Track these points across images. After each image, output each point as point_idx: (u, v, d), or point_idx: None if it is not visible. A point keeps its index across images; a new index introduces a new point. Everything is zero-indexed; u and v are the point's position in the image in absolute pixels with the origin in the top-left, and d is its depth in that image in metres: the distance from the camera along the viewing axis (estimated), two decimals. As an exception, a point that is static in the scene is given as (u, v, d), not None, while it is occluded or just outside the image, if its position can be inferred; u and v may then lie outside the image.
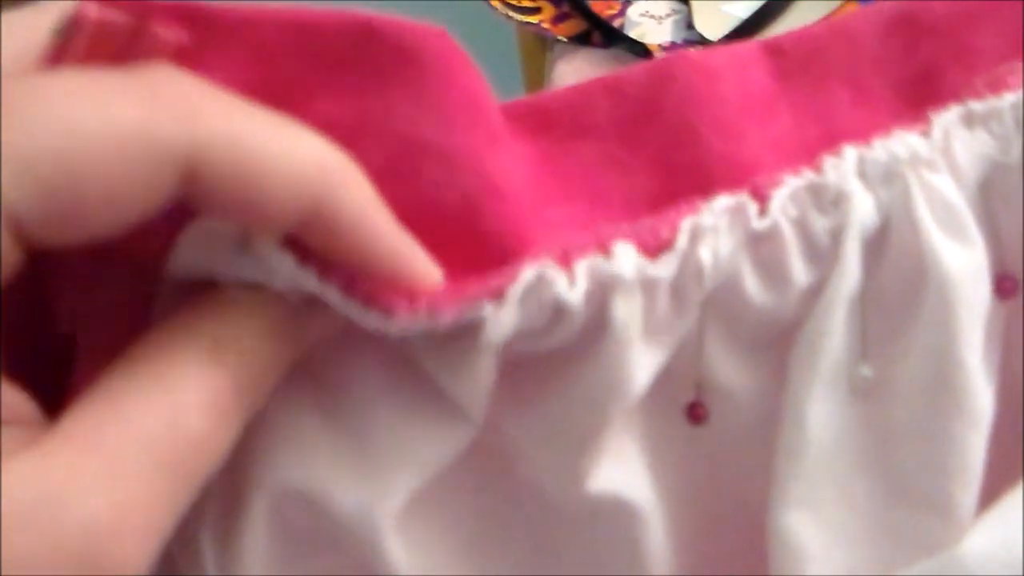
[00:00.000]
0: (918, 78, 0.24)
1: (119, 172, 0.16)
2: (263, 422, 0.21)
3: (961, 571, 0.19)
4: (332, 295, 0.19)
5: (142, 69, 0.17)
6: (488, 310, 0.20)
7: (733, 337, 0.23)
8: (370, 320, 0.19)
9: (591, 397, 0.22)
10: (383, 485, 0.21)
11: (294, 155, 0.18)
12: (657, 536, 0.24)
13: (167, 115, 0.17)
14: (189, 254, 0.20)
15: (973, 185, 0.23)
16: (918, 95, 0.24)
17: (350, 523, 0.21)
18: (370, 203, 0.19)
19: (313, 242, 0.19)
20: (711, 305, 0.23)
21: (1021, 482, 0.21)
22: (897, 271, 0.23)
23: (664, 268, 0.21)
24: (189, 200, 0.18)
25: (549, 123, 0.23)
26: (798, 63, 0.24)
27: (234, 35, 0.20)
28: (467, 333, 0.20)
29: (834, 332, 0.23)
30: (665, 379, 0.23)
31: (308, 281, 0.19)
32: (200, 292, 0.20)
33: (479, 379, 0.21)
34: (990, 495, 0.23)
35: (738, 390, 0.24)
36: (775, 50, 0.25)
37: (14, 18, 0.19)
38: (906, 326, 0.23)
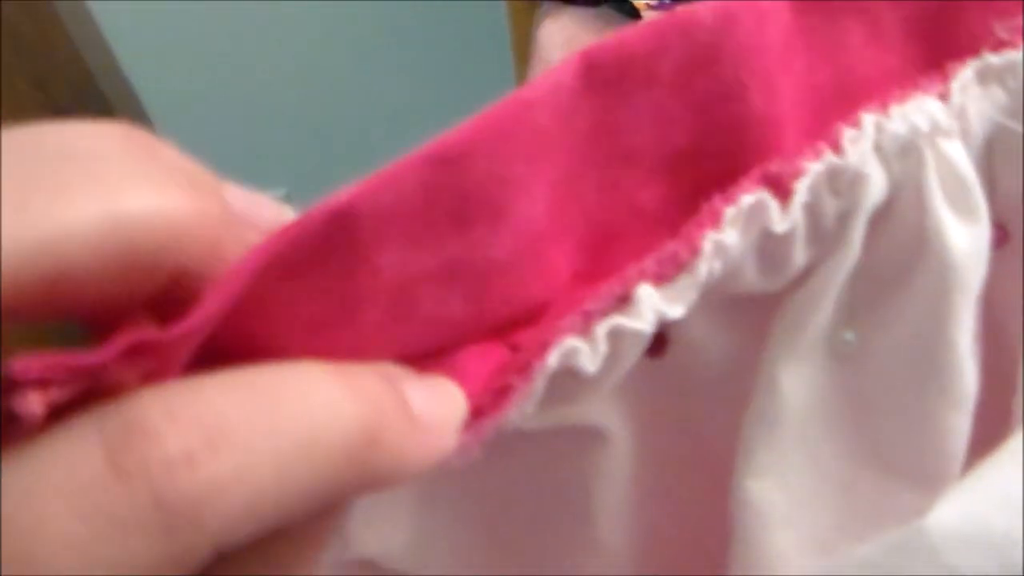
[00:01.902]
0: (935, 15, 0.23)
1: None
2: None
3: (925, 545, 0.18)
4: None
5: None
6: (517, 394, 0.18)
7: (708, 300, 0.22)
8: None
9: None
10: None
11: None
12: (618, 463, 0.23)
13: None
14: None
15: (980, 145, 0.22)
16: (934, 36, 0.22)
17: None
18: None
19: None
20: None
21: (995, 453, 0.20)
22: (896, 243, 0.22)
23: (682, 299, 0.19)
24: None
25: (623, 73, 0.20)
26: None
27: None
28: None
29: (825, 307, 0.22)
30: None
31: None
32: None
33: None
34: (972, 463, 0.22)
35: (706, 341, 0.23)
36: None
37: None
38: (896, 295, 0.22)
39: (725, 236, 0.19)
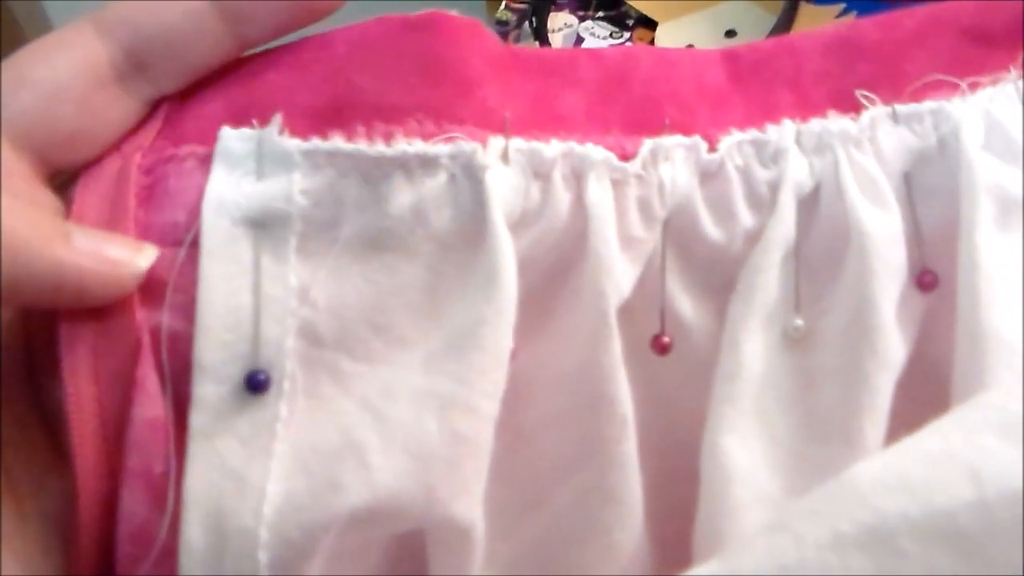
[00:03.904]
0: (853, 92, 0.28)
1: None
2: (313, 444, 0.23)
3: (854, 492, 0.20)
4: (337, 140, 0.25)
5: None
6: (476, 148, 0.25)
7: (689, 274, 0.27)
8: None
9: (590, 296, 0.25)
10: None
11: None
12: (634, 447, 0.26)
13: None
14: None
15: (897, 175, 0.27)
16: (853, 106, 0.28)
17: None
18: None
19: (243, 31, 0.24)
20: (671, 230, 0.27)
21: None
22: (825, 232, 0.27)
23: (631, 166, 0.26)
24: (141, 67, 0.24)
25: (549, 69, 0.27)
26: (750, 68, 0.29)
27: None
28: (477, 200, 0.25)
29: (769, 271, 0.26)
30: (633, 310, 0.26)
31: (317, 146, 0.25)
32: None
33: (499, 251, 0.24)
34: None
35: (695, 328, 0.27)
36: (731, 56, 0.29)
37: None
38: (833, 282, 0.27)
39: (661, 141, 0.26)
